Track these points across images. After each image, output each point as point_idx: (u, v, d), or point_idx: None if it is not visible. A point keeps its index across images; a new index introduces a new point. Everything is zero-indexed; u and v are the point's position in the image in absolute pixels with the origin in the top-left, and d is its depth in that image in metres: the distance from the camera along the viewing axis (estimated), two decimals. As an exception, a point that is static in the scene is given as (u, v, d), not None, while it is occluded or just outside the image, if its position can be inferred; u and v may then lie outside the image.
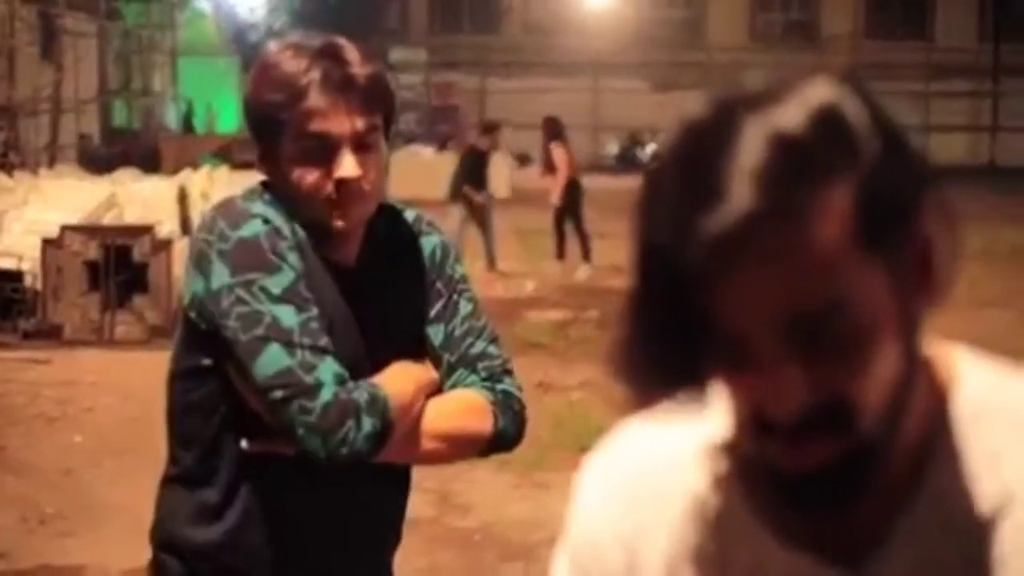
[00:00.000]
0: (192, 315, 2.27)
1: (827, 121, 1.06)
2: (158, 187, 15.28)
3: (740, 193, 1.03)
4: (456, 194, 14.97)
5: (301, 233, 2.30)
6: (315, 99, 2.25)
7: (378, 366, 2.30)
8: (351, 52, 2.30)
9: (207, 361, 2.28)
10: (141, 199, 14.34)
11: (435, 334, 2.42)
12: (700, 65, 35.11)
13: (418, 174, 22.06)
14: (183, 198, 14.79)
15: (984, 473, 1.17)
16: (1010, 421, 1.18)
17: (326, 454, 2.16)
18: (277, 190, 2.32)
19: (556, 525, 1.40)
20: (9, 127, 22.03)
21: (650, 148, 31.71)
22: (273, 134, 2.30)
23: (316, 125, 2.26)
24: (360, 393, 2.19)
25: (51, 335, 11.30)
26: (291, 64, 2.28)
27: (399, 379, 2.30)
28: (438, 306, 2.44)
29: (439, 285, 2.45)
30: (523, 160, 28.32)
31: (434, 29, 38.29)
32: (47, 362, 10.43)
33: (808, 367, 1.07)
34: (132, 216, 13.39)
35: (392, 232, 2.46)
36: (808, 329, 1.05)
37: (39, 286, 11.64)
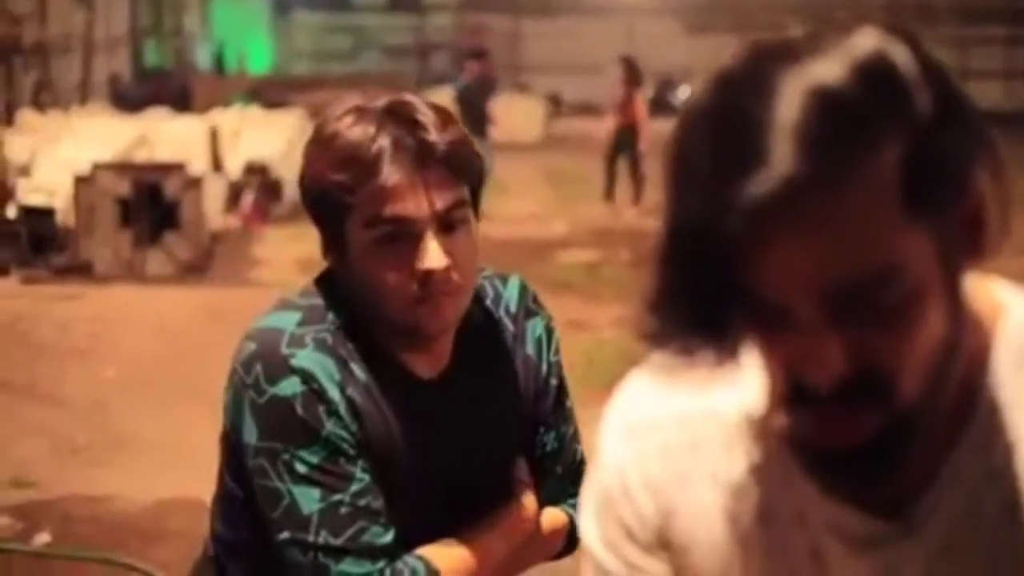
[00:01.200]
0: (232, 440, 1.97)
1: (874, 74, 0.98)
2: (189, 126, 15.30)
3: (781, 156, 0.95)
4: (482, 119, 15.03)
5: (363, 375, 1.91)
6: (387, 175, 1.82)
7: (479, 484, 2.02)
8: (425, 113, 1.86)
9: (240, 491, 2.00)
10: (172, 138, 14.37)
11: (551, 440, 2.11)
12: (734, 7, 34.82)
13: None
14: (214, 137, 14.80)
15: None
16: None
17: None
18: (344, 291, 1.92)
19: (588, 461, 1.36)
20: (41, 66, 22.03)
21: (683, 91, 31.51)
22: (338, 220, 1.87)
23: (391, 208, 1.83)
24: None
25: (82, 271, 11.33)
26: (354, 133, 1.85)
27: (469, 554, 1.98)
28: (552, 408, 2.11)
29: (552, 381, 2.10)
30: (555, 102, 28.17)
31: (466, -30, 38.04)
32: (78, 297, 10.47)
33: (850, 336, 1.00)
34: (163, 155, 13.42)
35: (491, 320, 2.06)
36: (851, 298, 0.99)
37: (70, 223, 11.68)
